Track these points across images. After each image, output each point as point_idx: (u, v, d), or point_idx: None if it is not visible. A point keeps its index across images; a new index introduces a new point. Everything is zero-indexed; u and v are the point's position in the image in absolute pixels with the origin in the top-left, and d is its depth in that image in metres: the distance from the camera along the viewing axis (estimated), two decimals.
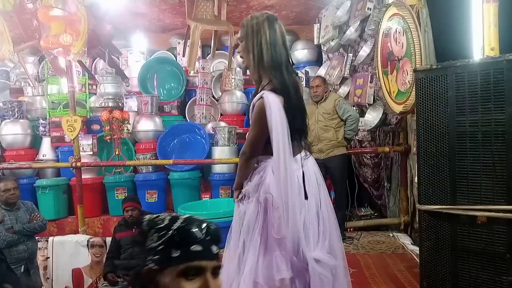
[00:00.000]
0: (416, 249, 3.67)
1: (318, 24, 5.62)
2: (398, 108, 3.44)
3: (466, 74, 1.69)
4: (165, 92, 6.20)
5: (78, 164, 4.72)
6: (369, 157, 4.92)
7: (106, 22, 4.36)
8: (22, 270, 3.83)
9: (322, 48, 5.90)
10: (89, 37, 4.22)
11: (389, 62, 3.58)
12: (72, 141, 5.02)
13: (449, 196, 1.77)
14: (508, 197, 1.62)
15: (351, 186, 4.82)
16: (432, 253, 1.86)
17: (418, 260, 3.28)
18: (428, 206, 1.83)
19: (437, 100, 1.78)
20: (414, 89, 3.02)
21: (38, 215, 4.09)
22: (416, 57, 2.95)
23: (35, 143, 5.84)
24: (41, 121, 5.80)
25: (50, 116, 5.71)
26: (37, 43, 4.36)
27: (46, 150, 5.74)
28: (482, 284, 1.72)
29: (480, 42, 2.37)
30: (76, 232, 5.06)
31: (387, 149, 4.29)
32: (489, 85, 1.63)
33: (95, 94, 6.04)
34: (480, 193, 1.69)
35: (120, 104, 4.65)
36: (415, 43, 3.01)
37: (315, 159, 3.97)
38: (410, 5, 3.25)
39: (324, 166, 3.98)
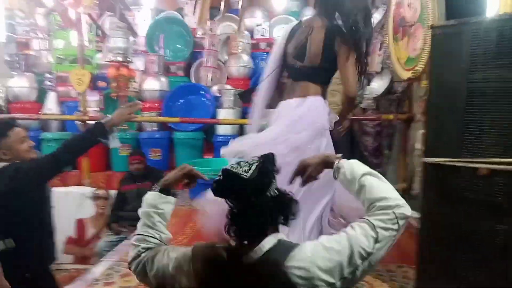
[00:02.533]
0: (413, 213, 3.79)
1: None
2: (406, 74, 3.48)
3: (481, 31, 1.73)
4: (171, 52, 6.19)
5: (86, 117, 4.78)
6: (371, 125, 4.99)
7: None
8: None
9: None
10: None
11: (401, 28, 3.59)
12: (79, 96, 5.06)
13: (454, 150, 1.85)
14: (509, 152, 1.69)
15: (350, 153, 4.92)
16: (433, 204, 1.96)
17: (413, 223, 3.42)
18: (434, 159, 1.90)
19: (451, 56, 1.83)
20: (424, 54, 3.09)
21: None
22: (429, 21, 2.96)
23: (41, 97, 5.87)
24: (47, 75, 5.82)
25: (57, 71, 5.72)
26: None
27: (51, 104, 5.78)
28: (480, 232, 1.82)
29: (495, 5, 2.41)
30: (78, 185, 5.17)
31: (391, 116, 4.36)
32: (504, 42, 1.67)
33: (101, 51, 6.04)
34: (484, 147, 1.76)
35: (129, 60, 4.66)
36: (429, 7, 3.02)
37: None
38: None
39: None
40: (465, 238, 1.88)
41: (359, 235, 1.11)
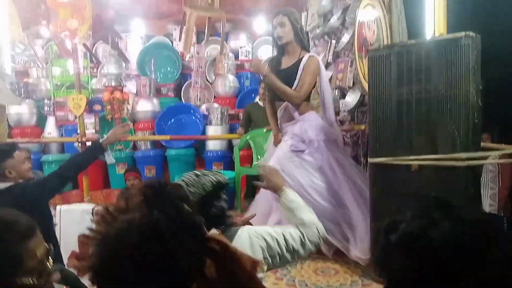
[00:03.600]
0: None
1: (306, 12, 6.03)
2: None
3: (404, 53, 2.14)
4: (161, 75, 6.62)
5: (83, 139, 5.15)
6: (348, 136, 5.38)
7: (109, 8, 4.75)
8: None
9: (309, 35, 6.31)
10: (94, 22, 4.62)
11: (363, 48, 4.02)
12: (76, 119, 5.44)
13: (391, 151, 2.23)
14: (433, 149, 2.08)
15: None
16: (378, 197, 2.33)
17: None
18: (376, 159, 2.29)
19: (383, 74, 2.23)
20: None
21: None
22: (384, 42, 3.38)
23: (40, 122, 6.25)
24: (46, 101, 6.21)
25: (54, 97, 6.11)
26: (46, 27, 4.76)
27: (51, 128, 6.15)
28: None
29: (431, 28, 2.83)
30: (80, 203, 5.51)
31: (363, 127, 4.75)
32: (421, 61, 2.08)
33: (96, 76, 6.46)
34: (414, 147, 2.15)
35: (122, 84, 5.07)
36: (383, 30, 3.44)
37: None
38: None
39: None
40: None
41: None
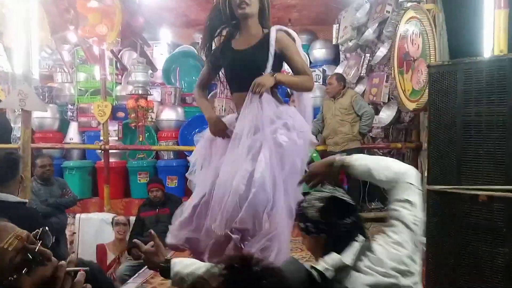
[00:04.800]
0: (422, 238, 3.89)
1: (337, 25, 5.86)
2: (411, 106, 3.68)
3: (473, 70, 1.93)
4: (186, 84, 6.49)
5: (107, 146, 5.03)
6: (381, 153, 5.15)
7: (139, 15, 4.65)
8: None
9: (340, 48, 6.14)
10: (123, 28, 4.52)
11: (405, 62, 3.81)
12: (100, 126, 5.34)
13: (454, 178, 2.01)
14: (506, 179, 1.85)
15: (363, 182, 5.05)
16: (437, 229, 2.10)
17: (423, 247, 3.53)
18: (436, 186, 2.07)
19: (447, 93, 2.02)
20: (427, 87, 3.29)
21: (70, 191, 4.42)
22: (431, 57, 3.17)
23: (63, 127, 6.17)
24: (69, 106, 6.13)
25: (78, 102, 6.04)
26: (74, 32, 4.68)
27: (73, 134, 6.06)
28: (482, 255, 1.95)
29: (491, 45, 2.61)
30: (99, 212, 5.37)
31: (399, 145, 4.53)
32: (493, 80, 1.86)
33: (120, 83, 6.38)
34: (482, 175, 1.93)
35: (149, 92, 4.95)
36: (430, 45, 3.24)
37: (331, 151, 4.30)
38: (427, 9, 3.48)
39: None
40: (467, 261, 2.02)
41: None
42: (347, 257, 1.27)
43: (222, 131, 2.19)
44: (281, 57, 2.16)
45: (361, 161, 1.44)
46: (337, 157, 1.52)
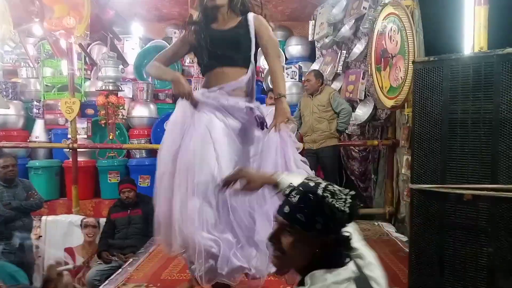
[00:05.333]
0: (400, 236, 3.89)
1: (313, 21, 5.80)
2: (389, 103, 3.65)
3: (460, 67, 1.89)
4: (159, 80, 6.29)
5: (75, 145, 4.80)
6: (357, 150, 5.14)
7: (109, 7, 4.44)
8: (17, 245, 3.91)
9: (316, 44, 6.09)
10: (92, 21, 4.31)
11: (382, 59, 3.78)
12: (68, 123, 5.09)
13: (439, 176, 1.96)
14: (492, 177, 1.82)
15: (338, 178, 5.02)
16: (421, 229, 2.06)
17: (402, 246, 3.52)
18: (420, 185, 2.02)
19: (432, 89, 1.97)
20: (406, 84, 3.26)
21: (35, 193, 4.18)
22: (410, 54, 3.14)
23: (28, 125, 5.86)
24: (35, 103, 5.83)
25: (44, 99, 5.75)
26: (40, 24, 4.42)
27: (39, 132, 5.78)
28: (466, 255, 1.92)
29: (470, 41, 2.59)
30: (67, 213, 5.13)
31: (376, 142, 4.51)
32: (480, 77, 1.82)
33: (89, 79, 6.12)
34: (467, 173, 1.89)
35: (120, 88, 4.75)
36: (409, 41, 3.21)
37: (308, 149, 4.23)
38: (405, 6, 3.45)
39: (316, 155, 4.18)
40: (452, 261, 1.98)
41: None
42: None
43: (189, 93, 2.11)
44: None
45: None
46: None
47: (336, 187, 1.11)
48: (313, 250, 1.07)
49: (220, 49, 2.15)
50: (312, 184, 1.11)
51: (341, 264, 1.08)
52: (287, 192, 1.12)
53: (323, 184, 1.11)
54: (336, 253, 1.09)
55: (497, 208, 1.82)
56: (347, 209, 1.06)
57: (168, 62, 2.41)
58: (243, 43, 2.16)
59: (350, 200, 1.07)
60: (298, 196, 1.08)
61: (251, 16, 2.18)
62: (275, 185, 1.40)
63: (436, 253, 1.99)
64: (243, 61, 2.16)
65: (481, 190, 1.84)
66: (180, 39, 2.37)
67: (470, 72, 1.85)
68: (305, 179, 1.17)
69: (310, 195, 1.07)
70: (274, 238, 1.11)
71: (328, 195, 1.06)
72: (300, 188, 1.11)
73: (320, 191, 1.07)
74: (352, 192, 1.10)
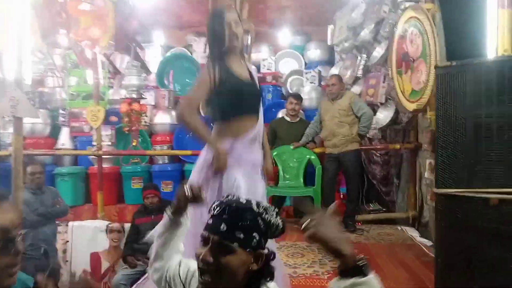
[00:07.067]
0: (424, 241, 3.85)
1: (333, 26, 5.82)
2: (411, 106, 3.62)
3: (483, 71, 1.88)
4: (181, 87, 6.40)
5: (100, 152, 4.92)
6: (378, 154, 5.11)
7: (133, 17, 4.56)
8: (42, 251, 4.01)
9: (335, 48, 6.10)
10: (117, 32, 4.42)
11: (403, 63, 3.77)
12: (92, 131, 5.23)
13: (464, 181, 1.96)
14: None
15: (360, 182, 5.01)
16: (447, 233, 2.05)
17: (426, 250, 3.49)
18: (445, 190, 2.01)
19: (456, 94, 1.97)
20: (428, 87, 3.24)
21: (61, 201, 4.30)
22: (431, 57, 3.13)
23: (54, 133, 6.04)
24: (60, 111, 6.01)
25: (70, 107, 5.92)
26: (66, 35, 4.57)
27: (64, 139, 5.94)
28: (492, 260, 1.90)
29: (494, 45, 2.57)
30: (92, 219, 5.25)
31: (398, 146, 4.49)
32: (504, 81, 1.82)
33: (112, 87, 6.27)
34: (493, 178, 1.88)
35: (142, 96, 4.87)
36: (430, 45, 3.19)
37: (329, 153, 4.25)
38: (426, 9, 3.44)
39: (338, 160, 4.19)
40: (478, 266, 1.97)
41: None
42: None
43: (225, 167, 2.04)
44: None
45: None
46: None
47: (265, 204, 1.13)
48: (249, 267, 1.07)
49: (246, 100, 2.26)
50: (244, 201, 1.12)
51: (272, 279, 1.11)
52: (219, 210, 1.09)
53: (254, 201, 1.12)
54: (269, 269, 1.11)
55: None
56: (280, 224, 1.09)
57: (198, 110, 2.39)
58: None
59: (277, 216, 1.11)
60: (234, 214, 1.07)
61: (252, 68, 2.38)
62: None
63: (461, 258, 1.98)
64: None
65: (507, 194, 1.82)
66: (207, 80, 2.13)
67: (494, 76, 1.84)
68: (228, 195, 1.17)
69: (247, 212, 1.08)
70: (211, 258, 1.05)
71: (263, 211, 1.09)
72: (234, 205, 1.09)
73: (255, 207, 1.09)
74: (276, 209, 1.13)
